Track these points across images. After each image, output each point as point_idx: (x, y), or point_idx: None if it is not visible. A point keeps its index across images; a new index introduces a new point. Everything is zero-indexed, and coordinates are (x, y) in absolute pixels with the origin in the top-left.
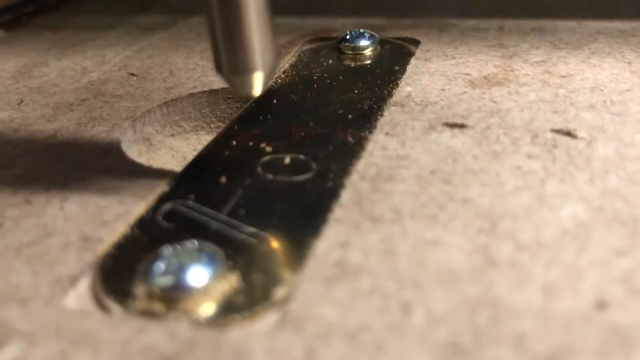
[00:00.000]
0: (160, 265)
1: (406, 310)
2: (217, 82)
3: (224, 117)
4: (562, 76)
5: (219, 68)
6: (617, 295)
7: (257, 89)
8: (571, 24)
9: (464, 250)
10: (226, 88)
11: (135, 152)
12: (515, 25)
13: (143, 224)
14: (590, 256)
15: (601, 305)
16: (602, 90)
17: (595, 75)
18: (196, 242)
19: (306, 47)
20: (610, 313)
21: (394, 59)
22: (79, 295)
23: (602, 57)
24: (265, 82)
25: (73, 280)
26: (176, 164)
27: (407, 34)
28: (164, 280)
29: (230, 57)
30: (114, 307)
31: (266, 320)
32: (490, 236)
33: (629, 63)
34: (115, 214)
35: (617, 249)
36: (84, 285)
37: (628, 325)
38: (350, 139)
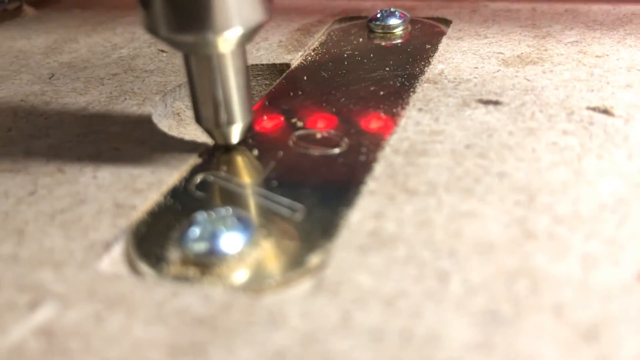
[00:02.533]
0: (195, 231)
1: (443, 279)
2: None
3: (254, 93)
4: (597, 56)
5: (198, 120)
6: None
7: (235, 139)
8: (605, 6)
9: (501, 222)
10: (255, 65)
11: (165, 125)
12: (548, 6)
13: (176, 193)
14: (629, 229)
15: None
16: (639, 70)
17: (631, 55)
18: (231, 209)
19: (336, 26)
20: None
21: (426, 38)
22: (113, 260)
23: (638, 37)
24: (243, 133)
25: (107, 246)
26: (206, 138)
27: (438, 14)
28: (198, 246)
29: (209, 113)
30: (148, 271)
31: (301, 287)
32: (528, 209)
33: None
34: (148, 183)
35: None
36: (118, 250)
37: None
38: (382, 114)
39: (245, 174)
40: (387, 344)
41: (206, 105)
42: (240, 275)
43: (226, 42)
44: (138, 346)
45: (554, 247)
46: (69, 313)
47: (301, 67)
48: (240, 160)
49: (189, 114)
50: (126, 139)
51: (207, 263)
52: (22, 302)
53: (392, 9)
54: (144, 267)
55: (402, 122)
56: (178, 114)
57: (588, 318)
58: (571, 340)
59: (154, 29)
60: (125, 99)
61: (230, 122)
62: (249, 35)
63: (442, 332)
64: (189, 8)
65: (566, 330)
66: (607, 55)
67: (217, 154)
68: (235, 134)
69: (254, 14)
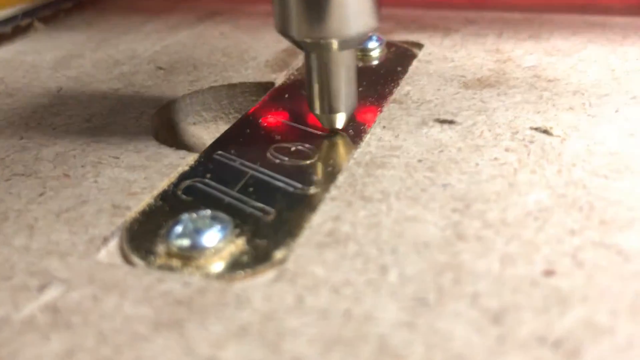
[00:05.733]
0: (179, 228)
1: (383, 271)
2: (235, 77)
3: (240, 108)
4: (550, 80)
5: (311, 108)
6: (563, 266)
7: (340, 124)
8: (566, 33)
9: (438, 226)
10: (244, 82)
11: (161, 136)
12: (514, 33)
13: (165, 196)
14: (546, 234)
15: (548, 273)
16: (582, 94)
17: (579, 80)
18: (210, 211)
19: None
20: (554, 280)
21: (398, 61)
22: (109, 252)
23: (588, 64)
24: (347, 119)
25: (105, 240)
26: (197, 149)
27: (413, 37)
28: (181, 241)
29: (321, 102)
30: (138, 262)
31: (266, 276)
32: (463, 215)
33: (613, 70)
34: (142, 187)
35: (570, 229)
36: (114, 244)
37: (568, 289)
38: (351, 131)
39: (227, 180)
40: (331, 322)
41: (318, 95)
42: (215, 266)
43: (341, 44)
44: (128, 321)
45: (479, 247)
46: (71, 294)
47: (284, 86)
48: (221, 169)
49: (182, 126)
50: (124, 149)
51: (188, 255)
52: (32, 285)
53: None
54: (135, 258)
55: (367, 138)
56: (172, 126)
57: (497, 305)
58: (481, 322)
59: (287, 31)
60: (125, 112)
61: (337, 110)
62: (360, 40)
63: (377, 314)
64: (317, 17)
65: (478, 314)
66: (559, 79)
67: (202, 163)
68: (340, 120)
69: (365, 23)
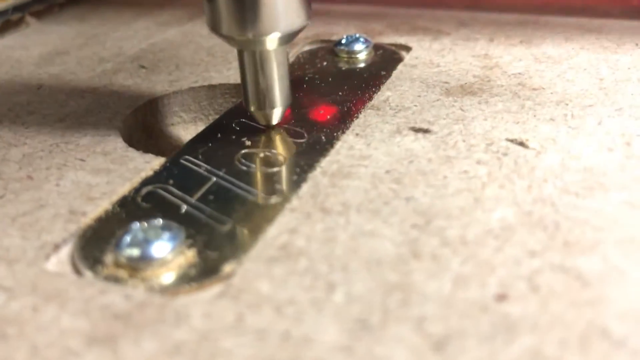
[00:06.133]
0: (127, 238)
1: (330, 290)
2: (216, 78)
3: (220, 110)
4: (534, 89)
5: (246, 104)
6: (517, 290)
7: (276, 120)
8: (558, 39)
9: (395, 242)
10: (224, 84)
11: (135, 138)
12: (505, 38)
13: (124, 203)
14: (504, 255)
15: (500, 297)
16: (566, 104)
17: (565, 90)
18: (161, 220)
19: (306, 48)
20: (506, 305)
21: (383, 64)
22: (60, 260)
23: (577, 72)
24: (282, 114)
25: (56, 247)
26: (172, 151)
27: (402, 40)
28: (129, 251)
29: (254, 98)
30: (86, 271)
31: (210, 291)
32: (421, 232)
33: (601, 80)
34: (102, 192)
35: (531, 250)
36: (65, 251)
37: (518, 316)
38: (323, 137)
39: (189, 187)
40: (268, 344)
41: (253, 92)
42: (162, 278)
43: (271, 41)
44: (63, 335)
45: (433, 267)
46: (11, 304)
47: None
48: (185, 175)
49: (159, 127)
50: (92, 151)
51: (135, 266)
52: None
53: (357, 35)
54: (82, 268)
55: (338, 145)
56: (148, 127)
57: (442, 330)
58: (421, 349)
59: (217, 28)
60: (100, 112)
61: (271, 106)
62: (290, 37)
63: (316, 336)
64: (246, 14)
65: (420, 340)
66: (544, 88)
67: (167, 168)
68: (275, 116)
69: (294, 21)
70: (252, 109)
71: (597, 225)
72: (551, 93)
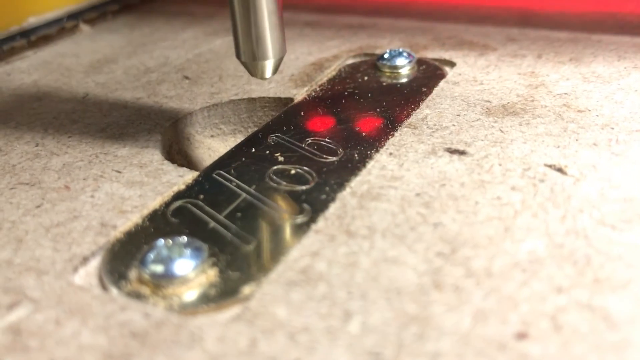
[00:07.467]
0: (151, 255)
1: (346, 318)
2: (256, 91)
3: (260, 123)
4: (579, 111)
5: (238, 55)
6: (539, 329)
7: (269, 73)
8: (610, 57)
9: (417, 270)
10: (263, 97)
11: (173, 150)
12: (555, 54)
13: (154, 217)
14: (529, 290)
15: (521, 336)
16: (612, 128)
17: (612, 112)
18: (186, 237)
19: (349, 61)
20: (526, 344)
21: (425, 80)
22: (87, 273)
23: (627, 93)
24: (275, 68)
25: (84, 260)
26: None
27: (447, 55)
28: (153, 268)
29: (247, 47)
30: (111, 286)
31: (228, 313)
32: (446, 260)
33: None
34: (134, 206)
35: (558, 286)
36: (94, 264)
37: (537, 357)
38: (356, 155)
39: (218, 203)
40: None
41: (244, 41)
42: (182, 296)
43: None
44: (81, 351)
45: (454, 299)
46: (36, 316)
47: (302, 103)
48: (216, 190)
49: (199, 138)
50: (129, 163)
51: (157, 283)
52: (3, 302)
53: (400, 50)
54: (108, 283)
55: (370, 164)
56: (188, 138)
57: None
58: None
59: None
60: (141, 123)
61: (263, 57)
62: None
63: None
64: None
65: None
66: (589, 110)
67: (199, 182)
68: (268, 69)
69: None
70: (244, 59)
71: (631, 262)
72: (597, 116)
